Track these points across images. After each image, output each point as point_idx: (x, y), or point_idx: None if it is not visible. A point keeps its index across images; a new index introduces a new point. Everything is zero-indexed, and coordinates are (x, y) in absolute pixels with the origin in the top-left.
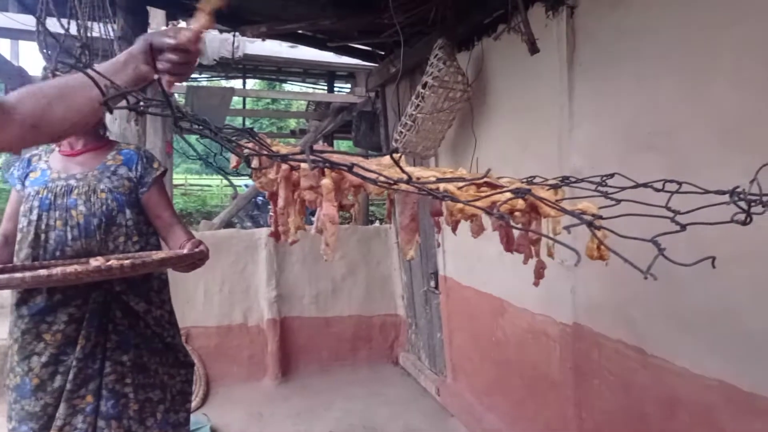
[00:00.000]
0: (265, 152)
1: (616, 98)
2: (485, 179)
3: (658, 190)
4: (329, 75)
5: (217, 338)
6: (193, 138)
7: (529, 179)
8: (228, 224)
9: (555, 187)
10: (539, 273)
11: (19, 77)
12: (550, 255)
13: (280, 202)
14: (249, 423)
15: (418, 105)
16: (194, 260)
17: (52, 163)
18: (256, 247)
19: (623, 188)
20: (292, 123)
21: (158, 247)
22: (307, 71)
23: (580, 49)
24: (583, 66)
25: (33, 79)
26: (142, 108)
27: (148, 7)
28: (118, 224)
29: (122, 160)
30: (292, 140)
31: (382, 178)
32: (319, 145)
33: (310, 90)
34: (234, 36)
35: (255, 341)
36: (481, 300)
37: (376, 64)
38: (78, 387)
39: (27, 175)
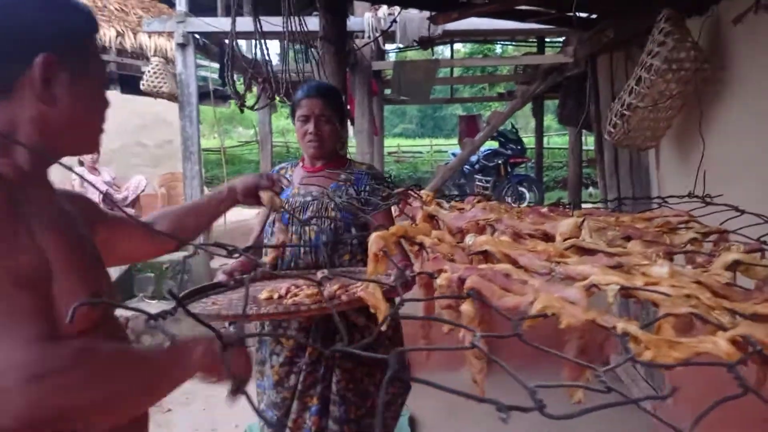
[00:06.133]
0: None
1: None
2: (692, 311)
3: None
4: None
5: (418, 325)
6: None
7: None
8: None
9: None
10: None
11: (252, 68)
12: None
13: (422, 312)
14: (448, 414)
15: (639, 92)
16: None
17: (295, 178)
18: None
19: None
20: (501, 85)
21: None
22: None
23: None
24: None
25: (262, 71)
26: None
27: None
28: (344, 243)
29: (353, 181)
30: (497, 105)
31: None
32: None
33: (518, 53)
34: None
35: (454, 328)
36: None
37: (586, 31)
38: (307, 388)
39: None
